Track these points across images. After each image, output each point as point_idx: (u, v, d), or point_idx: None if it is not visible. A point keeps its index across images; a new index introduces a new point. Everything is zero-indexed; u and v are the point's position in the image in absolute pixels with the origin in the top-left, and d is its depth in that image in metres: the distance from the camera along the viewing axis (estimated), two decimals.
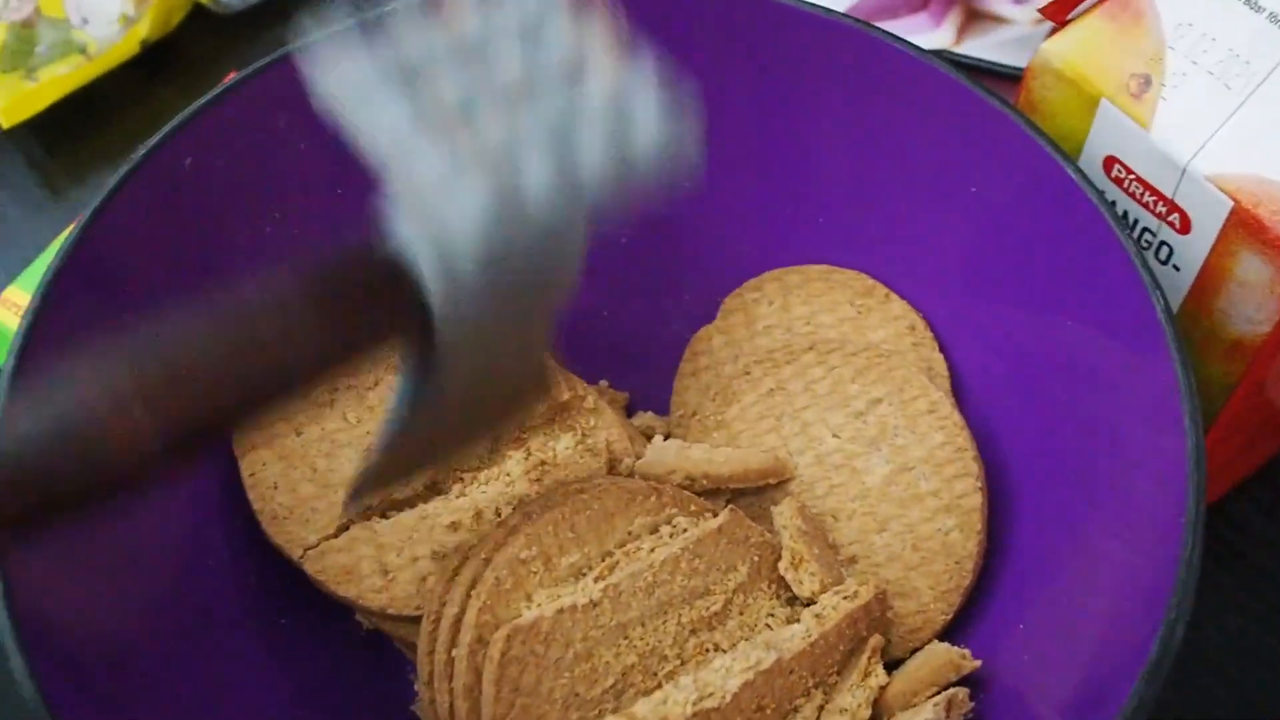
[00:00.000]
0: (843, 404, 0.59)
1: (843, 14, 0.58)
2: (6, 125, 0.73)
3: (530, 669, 0.51)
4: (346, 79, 0.38)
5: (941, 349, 0.61)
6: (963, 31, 0.78)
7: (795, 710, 0.52)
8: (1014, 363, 0.58)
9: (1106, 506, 0.52)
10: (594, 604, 0.52)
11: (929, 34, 0.77)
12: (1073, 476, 0.54)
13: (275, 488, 0.57)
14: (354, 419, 0.58)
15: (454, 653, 0.52)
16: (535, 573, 0.52)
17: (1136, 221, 0.54)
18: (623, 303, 0.64)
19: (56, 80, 0.74)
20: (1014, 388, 0.58)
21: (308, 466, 0.57)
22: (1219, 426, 0.56)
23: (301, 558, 0.56)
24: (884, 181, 0.60)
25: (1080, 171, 0.53)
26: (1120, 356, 0.53)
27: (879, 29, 0.57)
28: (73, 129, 0.74)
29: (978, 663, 0.53)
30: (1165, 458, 0.48)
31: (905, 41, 0.57)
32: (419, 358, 0.42)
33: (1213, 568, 0.60)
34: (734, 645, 0.53)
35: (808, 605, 0.54)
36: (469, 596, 0.52)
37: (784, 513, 0.56)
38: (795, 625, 0.53)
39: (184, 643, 0.53)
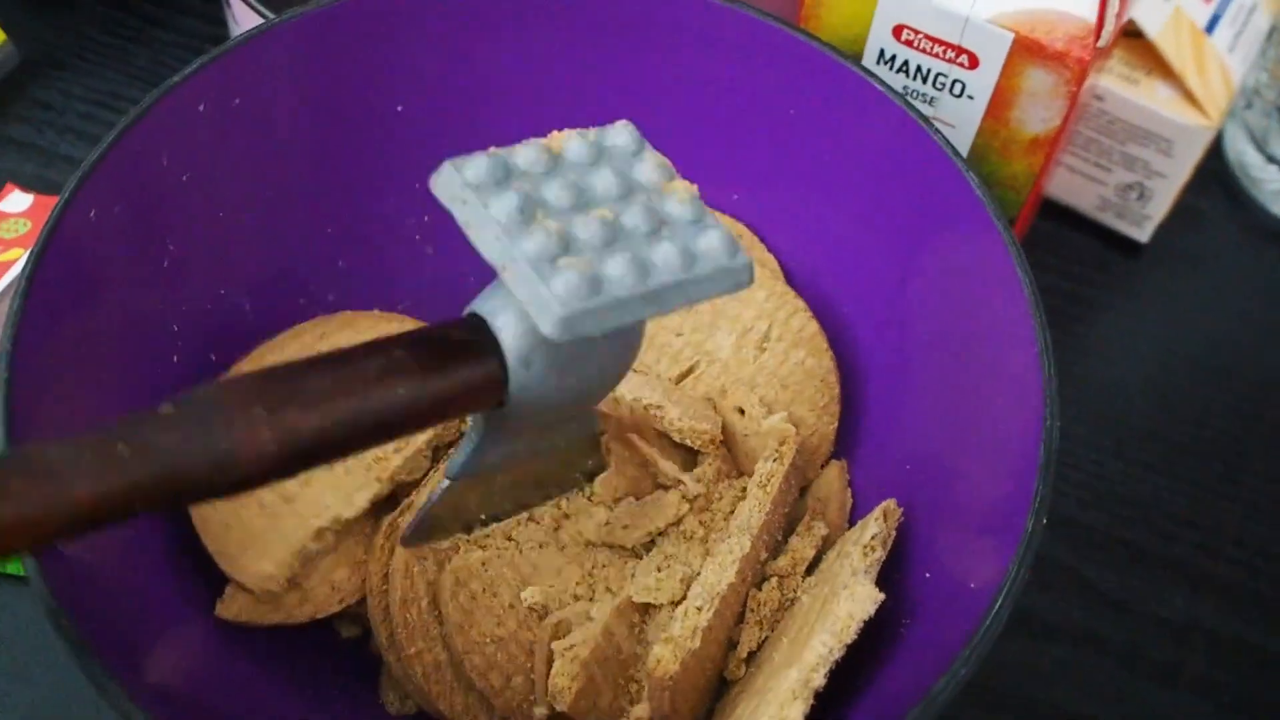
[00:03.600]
0: None
1: None
2: None
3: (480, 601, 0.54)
4: (466, 178, 0.40)
5: (772, 250, 0.63)
6: None
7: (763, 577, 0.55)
8: (842, 246, 0.61)
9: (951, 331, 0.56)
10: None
11: None
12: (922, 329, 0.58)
13: (227, 527, 0.54)
14: None
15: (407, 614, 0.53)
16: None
17: (930, 70, 0.60)
18: None
19: None
20: (849, 272, 0.61)
21: (255, 503, 0.55)
22: (1028, 206, 0.65)
23: (216, 611, 0.54)
24: (694, 113, 0.61)
25: (859, 64, 0.56)
26: (928, 194, 0.56)
27: None
28: None
29: (844, 461, 0.59)
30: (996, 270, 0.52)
31: None
32: (489, 420, 0.45)
33: None
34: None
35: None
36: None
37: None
38: (745, 502, 0.55)
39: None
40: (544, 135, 0.43)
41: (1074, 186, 0.75)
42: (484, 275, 0.41)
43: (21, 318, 0.48)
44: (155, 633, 0.50)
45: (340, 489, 0.56)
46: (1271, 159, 0.77)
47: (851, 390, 0.61)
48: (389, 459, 0.56)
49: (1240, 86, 0.72)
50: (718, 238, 0.42)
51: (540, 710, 0.54)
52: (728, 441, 0.60)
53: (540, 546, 0.56)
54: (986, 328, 0.54)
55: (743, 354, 0.60)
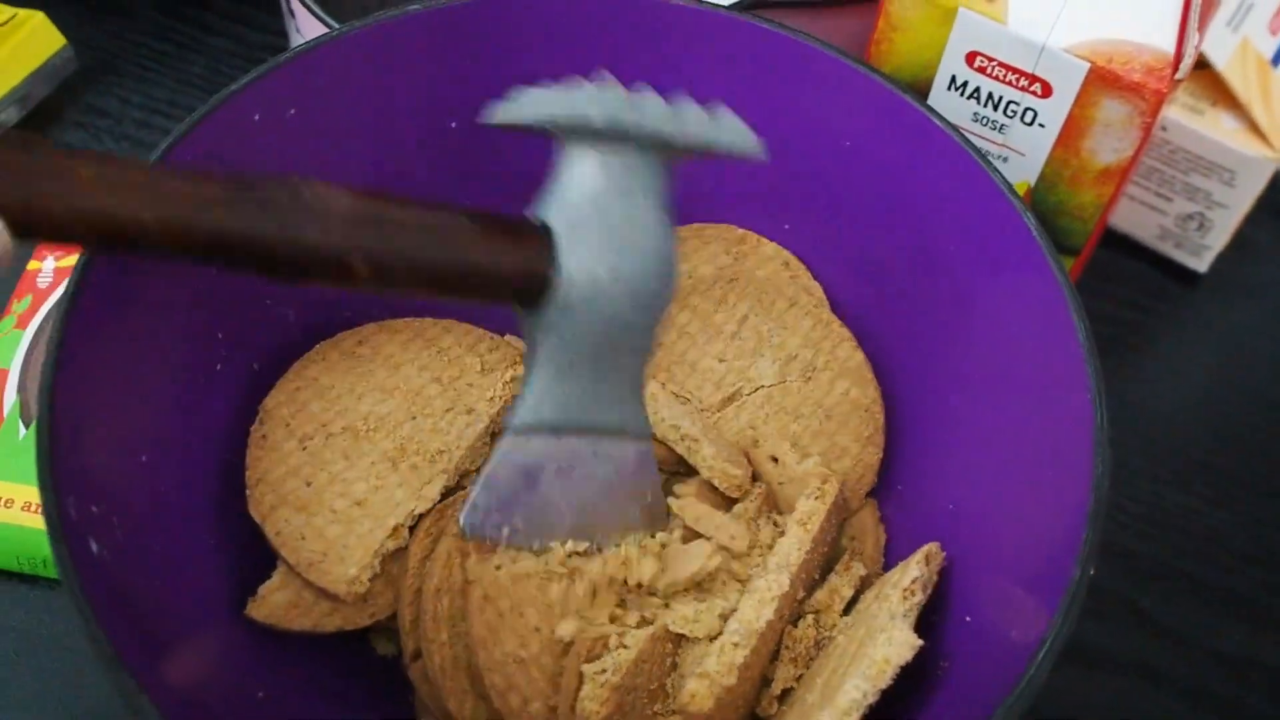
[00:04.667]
0: (716, 333, 0.60)
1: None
2: None
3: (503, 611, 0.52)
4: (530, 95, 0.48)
5: (820, 280, 0.62)
6: None
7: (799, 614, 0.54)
8: (891, 280, 0.59)
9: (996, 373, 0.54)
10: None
11: None
12: (962, 362, 0.56)
13: (303, 538, 0.53)
14: (355, 456, 0.55)
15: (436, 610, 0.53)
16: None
17: (1002, 97, 0.58)
18: None
19: None
20: (898, 305, 0.59)
21: (327, 510, 0.54)
22: (1093, 236, 0.63)
23: (247, 610, 0.52)
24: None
25: (916, 97, 0.55)
26: (980, 233, 0.54)
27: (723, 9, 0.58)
28: None
29: (874, 500, 0.58)
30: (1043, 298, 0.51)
31: (745, 10, 0.58)
32: (545, 341, 0.49)
33: None
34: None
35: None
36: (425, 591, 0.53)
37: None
38: (785, 539, 0.53)
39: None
40: None
41: (1134, 215, 0.74)
42: None
43: (67, 325, 0.47)
44: (186, 639, 0.49)
45: (410, 486, 0.55)
46: None
47: (895, 425, 0.59)
48: (452, 451, 0.56)
49: None
50: (733, 117, 0.50)
51: None
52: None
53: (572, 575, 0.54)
54: (1038, 370, 0.52)
55: (787, 382, 0.59)
